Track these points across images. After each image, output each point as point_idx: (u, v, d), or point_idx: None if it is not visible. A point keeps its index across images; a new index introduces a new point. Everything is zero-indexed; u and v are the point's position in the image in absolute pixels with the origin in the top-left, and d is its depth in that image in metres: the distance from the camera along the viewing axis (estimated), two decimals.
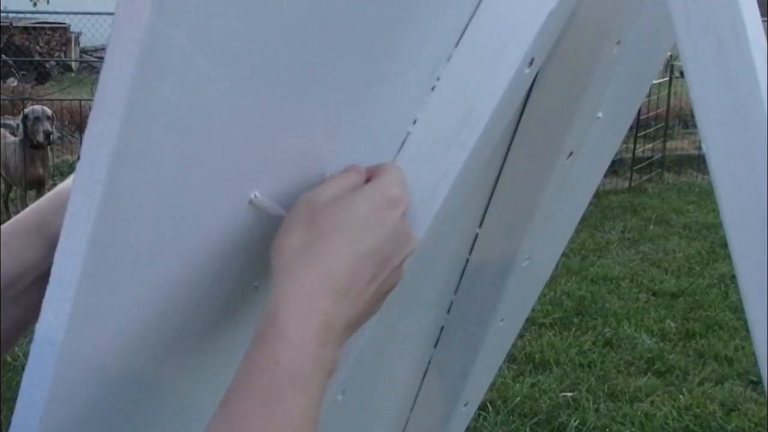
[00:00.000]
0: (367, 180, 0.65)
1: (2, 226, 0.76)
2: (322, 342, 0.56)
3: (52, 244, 0.71)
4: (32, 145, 5.84)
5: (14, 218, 0.77)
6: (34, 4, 11.44)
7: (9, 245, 0.74)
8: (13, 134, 6.19)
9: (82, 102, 7.43)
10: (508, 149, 0.93)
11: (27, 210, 0.78)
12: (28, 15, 13.06)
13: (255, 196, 0.62)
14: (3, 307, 0.74)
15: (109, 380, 0.62)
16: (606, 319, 4.35)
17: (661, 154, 7.79)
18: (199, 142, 0.55)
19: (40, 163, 5.94)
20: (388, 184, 0.63)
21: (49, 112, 6.00)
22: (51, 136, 5.89)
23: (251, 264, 0.68)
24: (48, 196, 0.79)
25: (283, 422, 0.53)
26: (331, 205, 0.61)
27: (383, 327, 0.66)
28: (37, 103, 6.89)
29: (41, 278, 0.71)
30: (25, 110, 6.03)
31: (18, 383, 0.56)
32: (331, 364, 0.57)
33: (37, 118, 5.84)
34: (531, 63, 0.72)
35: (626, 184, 7.21)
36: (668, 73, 7.81)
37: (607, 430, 3.32)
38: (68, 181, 0.78)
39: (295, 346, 0.55)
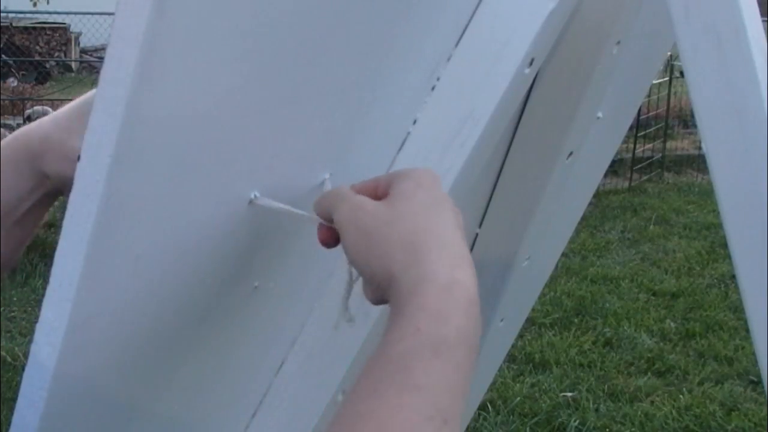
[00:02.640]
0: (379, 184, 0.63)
1: None
2: (466, 315, 0.54)
3: (43, 174, 0.77)
4: None
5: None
6: (34, 4, 11.41)
7: (3, 178, 0.77)
8: None
9: None
10: (508, 149, 0.93)
11: (11, 140, 0.80)
12: (28, 15, 13.04)
13: (255, 196, 0.62)
14: (3, 232, 0.78)
15: (109, 379, 0.62)
16: (606, 319, 4.34)
17: (661, 154, 7.78)
18: (199, 142, 0.55)
19: None
20: (417, 170, 0.62)
21: (51, 112, 5.98)
22: None
23: (251, 264, 0.68)
24: (33, 126, 0.81)
25: (424, 384, 0.49)
26: (422, 193, 0.59)
27: (383, 326, 0.66)
28: (37, 103, 6.89)
29: (35, 206, 0.78)
30: (28, 111, 6.03)
31: (18, 383, 0.56)
32: (475, 341, 0.55)
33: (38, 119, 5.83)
34: (531, 63, 0.72)
35: (626, 184, 7.20)
36: (668, 73, 7.80)
37: (607, 430, 3.32)
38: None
39: (439, 317, 0.53)
